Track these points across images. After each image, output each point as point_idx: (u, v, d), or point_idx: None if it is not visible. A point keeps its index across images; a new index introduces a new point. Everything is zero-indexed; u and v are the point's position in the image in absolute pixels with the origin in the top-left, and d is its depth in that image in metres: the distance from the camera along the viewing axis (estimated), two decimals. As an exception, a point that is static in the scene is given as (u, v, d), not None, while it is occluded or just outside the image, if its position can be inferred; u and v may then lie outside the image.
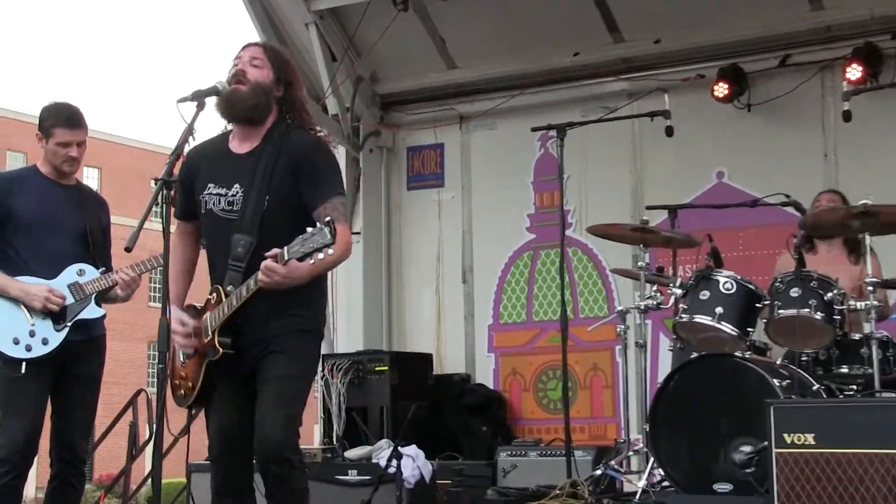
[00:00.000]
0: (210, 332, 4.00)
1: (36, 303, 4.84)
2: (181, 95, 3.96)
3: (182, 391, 4.13)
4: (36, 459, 4.85)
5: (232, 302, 3.94)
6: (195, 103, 3.96)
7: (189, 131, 3.91)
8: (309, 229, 3.68)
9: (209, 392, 4.05)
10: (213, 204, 4.07)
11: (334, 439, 7.46)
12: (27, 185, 5.02)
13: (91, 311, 4.98)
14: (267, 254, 3.77)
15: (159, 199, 3.81)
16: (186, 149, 3.96)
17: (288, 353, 3.97)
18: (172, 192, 3.84)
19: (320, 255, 3.64)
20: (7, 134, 34.97)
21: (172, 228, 3.97)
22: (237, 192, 4.03)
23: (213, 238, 4.11)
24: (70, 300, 4.92)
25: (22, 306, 4.86)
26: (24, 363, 4.79)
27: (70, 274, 4.96)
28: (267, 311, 3.96)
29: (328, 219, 3.64)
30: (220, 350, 3.96)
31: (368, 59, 8.58)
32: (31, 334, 4.84)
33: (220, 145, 4.18)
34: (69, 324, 4.91)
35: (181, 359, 4.13)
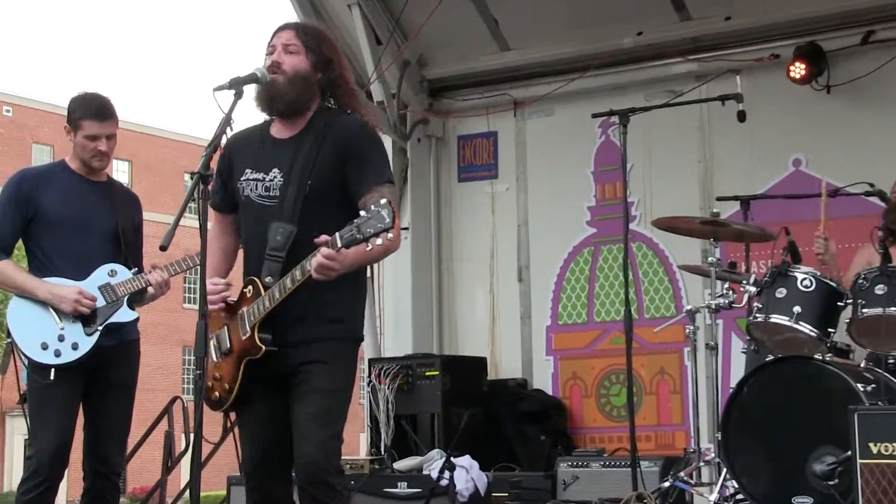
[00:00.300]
0: (249, 329, 3.97)
1: (65, 305, 4.86)
2: (218, 83, 3.98)
3: (217, 393, 4.09)
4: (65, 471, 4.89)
5: (274, 294, 3.90)
6: (233, 91, 3.96)
7: (227, 121, 3.90)
8: (362, 212, 3.67)
9: (246, 394, 4.02)
10: (251, 190, 4.07)
11: (382, 449, 7.49)
12: (55, 181, 5.05)
13: (123, 315, 5.00)
14: (318, 240, 3.73)
15: (196, 195, 3.80)
16: (224, 140, 3.97)
17: (329, 362, 3.95)
18: (209, 186, 3.85)
19: (378, 241, 3.62)
20: (34, 126, 35.49)
21: (209, 225, 3.95)
22: (275, 178, 4.03)
23: (249, 227, 4.10)
24: (101, 302, 4.93)
25: (51, 309, 4.89)
26: (52, 370, 4.81)
27: (101, 275, 4.98)
28: (304, 310, 3.94)
29: (384, 200, 3.63)
30: (262, 348, 3.93)
31: (415, 41, 8.59)
32: (61, 339, 4.86)
33: (260, 132, 4.19)
34: (100, 327, 4.92)
35: (215, 358, 4.10)
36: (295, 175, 3.99)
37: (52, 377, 4.80)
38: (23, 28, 75.12)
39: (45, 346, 4.84)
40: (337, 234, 3.70)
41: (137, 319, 5.11)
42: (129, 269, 5.05)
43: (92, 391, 4.96)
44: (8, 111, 35.32)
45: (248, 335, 3.97)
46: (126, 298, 5.00)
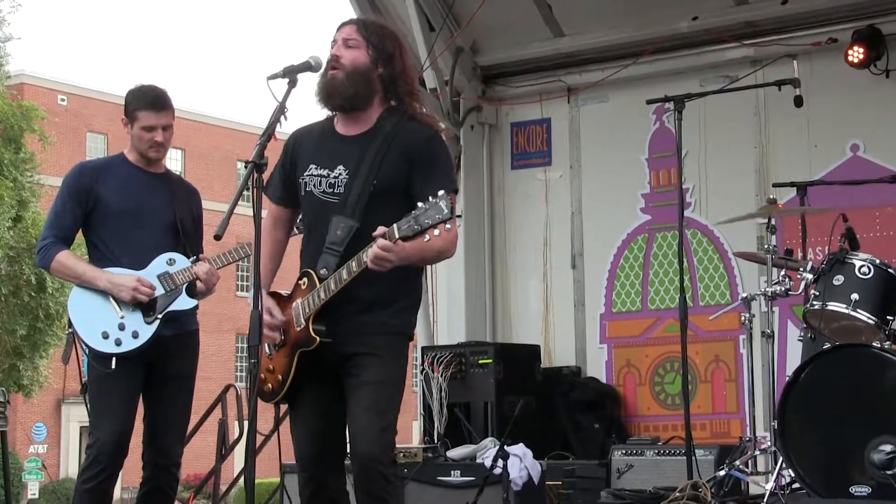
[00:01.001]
0: (303, 321, 4.00)
1: (124, 294, 4.92)
2: (271, 72, 4.01)
3: (270, 385, 4.12)
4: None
5: (330, 286, 3.94)
6: (287, 80, 3.99)
7: (281, 110, 3.93)
8: (420, 204, 3.70)
9: (300, 386, 4.06)
10: (314, 185, 4.09)
11: (435, 438, 7.51)
12: (114, 173, 5.12)
13: (182, 303, 5.05)
14: (375, 233, 3.77)
15: (249, 183, 3.84)
16: (278, 129, 4.01)
17: (382, 355, 3.98)
18: (265, 174, 3.89)
19: (436, 232, 3.65)
20: (88, 115, 35.80)
21: (263, 213, 3.99)
22: (340, 174, 4.04)
23: (311, 222, 4.13)
24: (160, 291, 4.99)
25: (111, 299, 4.95)
26: (113, 358, 4.87)
27: (160, 264, 5.03)
28: (358, 302, 3.98)
29: (442, 192, 3.66)
30: (317, 339, 3.96)
31: (468, 28, 8.59)
32: (121, 328, 4.92)
33: (325, 127, 4.20)
34: (160, 316, 4.97)
35: (267, 350, 4.14)
36: (361, 173, 4.00)
37: (112, 366, 4.86)
38: (76, 17, 75.93)
39: (105, 336, 4.90)
40: (395, 225, 3.73)
41: (196, 307, 5.15)
42: (188, 258, 5.10)
43: (152, 383, 5.02)
44: (62, 100, 35.66)
45: (302, 327, 4.01)
46: (185, 287, 5.05)
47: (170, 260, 5.05)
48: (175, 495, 5.11)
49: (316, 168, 4.10)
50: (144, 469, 5.04)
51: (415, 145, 4.03)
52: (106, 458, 4.81)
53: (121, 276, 4.95)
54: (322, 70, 4.09)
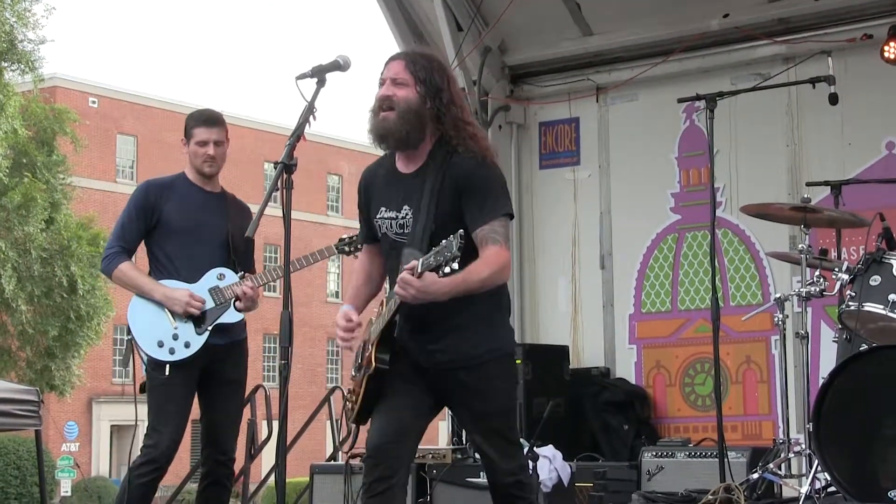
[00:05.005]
0: (371, 346, 4.11)
1: (177, 307, 5.30)
2: (300, 71, 4.00)
3: (349, 405, 4.27)
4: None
5: (384, 314, 4.06)
6: (315, 80, 3.99)
7: (310, 110, 3.98)
8: (443, 241, 3.77)
9: (371, 408, 4.16)
10: (387, 228, 4.19)
11: (463, 438, 7.46)
12: (177, 191, 5.49)
13: (230, 316, 5.40)
14: (405, 266, 3.86)
15: (279, 184, 3.87)
16: (307, 128, 3.98)
17: (485, 390, 4.10)
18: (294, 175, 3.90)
19: (447, 269, 3.75)
20: (119, 117, 35.98)
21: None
22: (406, 214, 4.13)
23: (390, 261, 4.22)
24: (210, 304, 5.36)
25: (166, 310, 5.33)
26: (167, 366, 5.27)
27: (211, 278, 5.40)
28: (444, 331, 4.06)
29: (460, 232, 3.74)
30: (374, 365, 4.06)
31: (496, 27, 8.56)
32: (175, 338, 5.31)
33: (388, 164, 4.27)
34: (209, 328, 5.34)
35: (353, 373, 4.27)
36: (423, 212, 4.08)
37: (166, 373, 5.26)
38: (106, 18, 76.42)
39: (160, 344, 5.30)
40: (420, 259, 3.84)
41: (243, 320, 5.49)
42: (237, 273, 5.43)
43: (207, 387, 5.42)
44: (93, 102, 35.88)
45: (369, 352, 4.13)
46: (233, 300, 5.39)
47: (220, 275, 5.41)
48: (231, 488, 5.55)
49: (386, 210, 4.20)
50: (203, 465, 5.49)
51: (461, 177, 4.09)
52: (162, 458, 5.22)
53: (175, 290, 5.33)
54: (372, 109, 4.12)
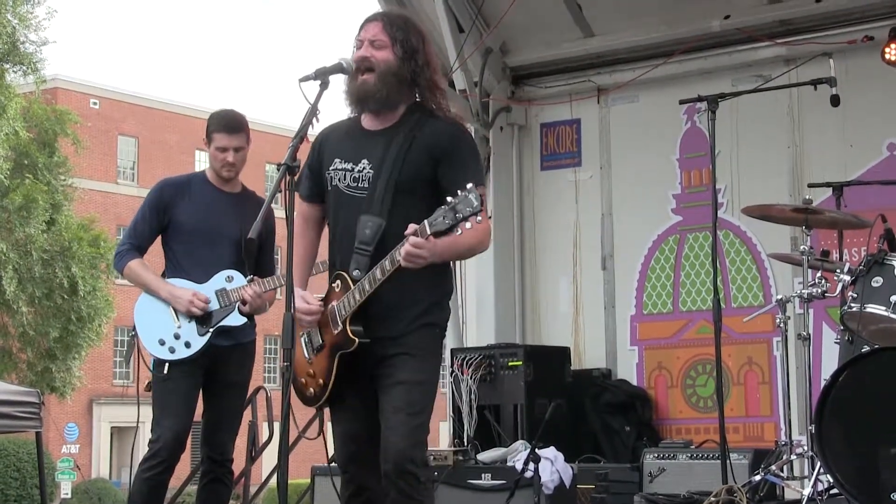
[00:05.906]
0: (340, 323, 3.98)
1: (180, 306, 5.29)
2: (303, 73, 3.97)
3: (311, 389, 4.11)
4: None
5: (364, 287, 3.92)
6: (318, 82, 3.97)
7: (313, 112, 3.94)
8: (449, 199, 3.67)
9: (341, 389, 4.04)
10: (339, 180, 4.08)
11: (465, 440, 7.46)
12: (193, 191, 5.47)
13: (234, 318, 5.36)
14: (407, 231, 3.74)
15: (282, 186, 3.85)
16: (310, 131, 3.97)
17: (417, 354, 3.96)
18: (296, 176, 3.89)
19: (468, 225, 3.63)
20: (120, 118, 35.94)
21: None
22: (364, 168, 4.03)
23: (337, 218, 4.11)
24: (214, 305, 5.32)
25: (171, 308, 5.33)
26: (166, 364, 5.26)
27: (219, 280, 5.36)
28: (391, 302, 3.95)
29: (471, 185, 3.64)
30: (355, 340, 3.94)
31: (498, 28, 8.55)
32: (176, 337, 5.29)
33: (352, 123, 4.19)
34: (212, 329, 5.31)
35: (307, 355, 4.13)
36: (385, 168, 3.99)
37: (165, 371, 5.26)
38: (107, 20, 76.44)
39: (161, 342, 5.29)
40: (426, 221, 3.71)
41: (252, 323, 5.44)
42: (246, 276, 5.37)
43: (211, 387, 5.39)
44: (95, 104, 35.84)
45: (339, 329, 3.99)
46: (238, 304, 5.34)
47: (228, 277, 5.38)
48: (232, 487, 5.56)
49: (341, 162, 4.09)
50: (202, 464, 5.50)
51: (439, 142, 4.01)
52: (166, 452, 5.18)
53: (180, 289, 5.32)
54: (350, 72, 4.05)
